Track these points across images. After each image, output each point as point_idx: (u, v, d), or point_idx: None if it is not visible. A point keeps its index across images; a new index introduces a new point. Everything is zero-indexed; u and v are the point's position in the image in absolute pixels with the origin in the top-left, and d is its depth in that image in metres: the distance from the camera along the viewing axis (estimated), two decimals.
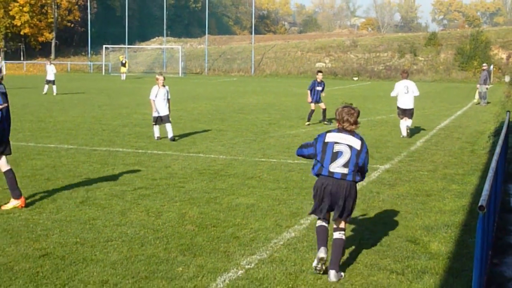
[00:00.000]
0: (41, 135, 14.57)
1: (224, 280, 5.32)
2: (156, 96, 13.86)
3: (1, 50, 69.06)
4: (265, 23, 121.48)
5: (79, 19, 74.09)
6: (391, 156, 12.20)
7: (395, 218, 7.44)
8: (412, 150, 13.08)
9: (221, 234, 6.65)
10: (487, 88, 27.02)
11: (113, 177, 9.65)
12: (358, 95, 32.47)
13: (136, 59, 68.64)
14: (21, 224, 6.93)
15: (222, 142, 13.89)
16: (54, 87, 29.19)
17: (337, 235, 5.61)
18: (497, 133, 15.16)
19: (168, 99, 14.03)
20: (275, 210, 7.73)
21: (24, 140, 13.74)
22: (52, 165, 10.67)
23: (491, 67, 44.40)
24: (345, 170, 5.44)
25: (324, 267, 5.47)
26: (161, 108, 13.91)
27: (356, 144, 5.45)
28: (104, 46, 62.25)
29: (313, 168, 5.65)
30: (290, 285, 5.25)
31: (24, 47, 71.72)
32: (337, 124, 5.58)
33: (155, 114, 13.93)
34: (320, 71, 18.42)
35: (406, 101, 15.16)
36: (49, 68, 29.65)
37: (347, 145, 5.46)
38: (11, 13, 66.45)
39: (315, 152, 5.59)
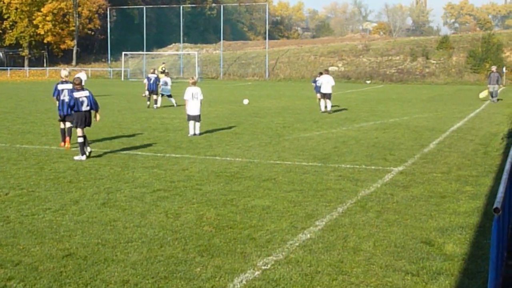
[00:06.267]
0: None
1: (241, 281, 5.31)
2: None
3: (26, 57, 69.88)
4: (278, 29, 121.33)
5: (99, 27, 74.64)
6: (404, 158, 12.10)
7: (410, 220, 7.36)
8: (425, 152, 12.96)
9: (237, 236, 6.63)
10: (499, 87, 27.88)
11: (133, 180, 9.69)
12: (371, 98, 32.30)
13: (154, 65, 68.80)
14: (45, 225, 6.99)
15: (238, 145, 13.89)
16: None
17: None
18: (510, 134, 14.98)
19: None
20: (291, 212, 7.69)
21: (48, 143, 13.86)
22: (74, 168, 10.75)
23: (504, 69, 43.96)
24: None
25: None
26: None
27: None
28: (123, 52, 62.62)
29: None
30: (306, 286, 5.22)
31: (47, 54, 72.48)
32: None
33: None
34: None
35: (326, 88, 21.69)
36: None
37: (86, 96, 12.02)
38: (34, 22, 67.16)
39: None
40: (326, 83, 21.92)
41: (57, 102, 13.41)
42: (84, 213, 7.55)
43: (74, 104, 11.80)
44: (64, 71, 14.11)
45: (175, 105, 24.57)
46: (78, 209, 7.74)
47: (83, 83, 12.25)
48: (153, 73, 25.64)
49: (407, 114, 21.92)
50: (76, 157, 11.70)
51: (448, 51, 57.10)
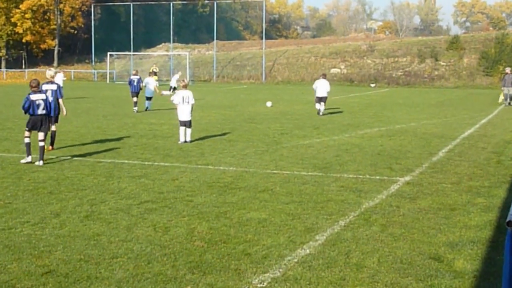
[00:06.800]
0: None
1: None
2: None
3: (3, 58, 69.85)
4: (276, 28, 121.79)
5: (83, 26, 74.74)
6: (411, 167, 12.15)
7: (417, 234, 7.39)
8: (434, 161, 13.02)
9: (231, 251, 6.65)
10: None
11: (119, 191, 9.70)
12: (375, 102, 32.42)
13: (142, 66, 69.03)
14: (23, 239, 6.98)
15: (232, 153, 13.92)
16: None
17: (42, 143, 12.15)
18: None
19: None
20: (289, 226, 7.71)
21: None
22: (55, 177, 10.75)
23: None
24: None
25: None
26: None
27: None
28: (108, 53, 62.72)
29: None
30: None
31: (26, 54, 72.44)
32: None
33: None
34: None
35: (322, 92, 23.63)
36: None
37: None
38: (12, 20, 67.18)
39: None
40: (321, 86, 23.86)
41: None
42: (65, 227, 7.54)
43: (29, 107, 12.14)
44: (49, 71, 14.99)
45: (148, 107, 25.89)
46: (59, 223, 7.74)
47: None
48: (136, 74, 26.35)
49: (415, 120, 22.02)
50: (22, 160, 12.23)
51: (459, 52, 57.39)
